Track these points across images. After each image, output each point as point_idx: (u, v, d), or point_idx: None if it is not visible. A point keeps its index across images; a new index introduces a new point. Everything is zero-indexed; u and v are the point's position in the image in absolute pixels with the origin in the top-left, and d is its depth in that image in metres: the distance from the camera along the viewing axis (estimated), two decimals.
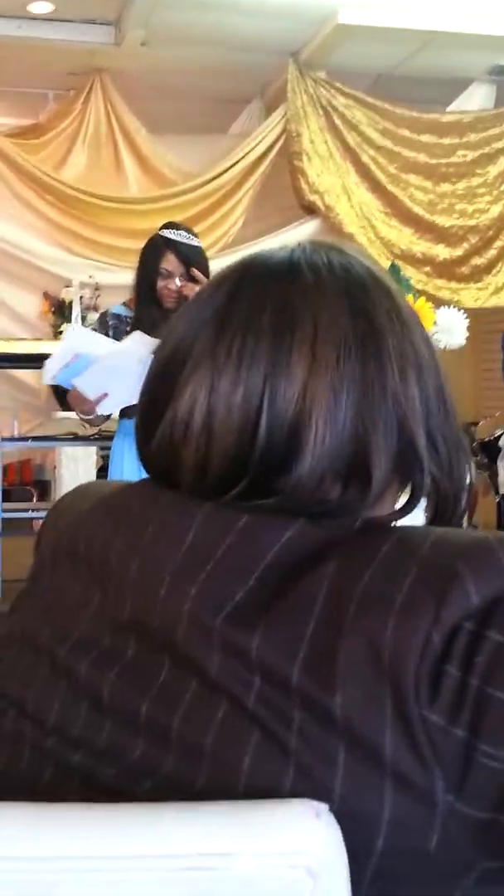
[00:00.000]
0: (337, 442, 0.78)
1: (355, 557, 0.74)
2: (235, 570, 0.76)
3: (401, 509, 0.83)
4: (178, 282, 3.50)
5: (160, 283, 3.52)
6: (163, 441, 0.83)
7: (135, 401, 0.92)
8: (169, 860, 0.67)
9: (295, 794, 0.69)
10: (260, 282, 0.83)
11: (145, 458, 0.87)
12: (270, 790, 0.70)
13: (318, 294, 0.82)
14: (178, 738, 0.74)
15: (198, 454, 0.81)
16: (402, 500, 0.85)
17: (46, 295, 6.09)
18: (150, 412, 0.85)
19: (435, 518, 0.86)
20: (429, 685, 0.68)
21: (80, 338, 3.57)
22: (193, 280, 3.47)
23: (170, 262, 3.54)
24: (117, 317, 3.77)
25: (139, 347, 3.10)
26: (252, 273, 0.85)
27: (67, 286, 6.03)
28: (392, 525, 0.80)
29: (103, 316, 3.91)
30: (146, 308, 3.54)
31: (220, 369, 0.80)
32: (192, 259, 3.58)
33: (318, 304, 0.81)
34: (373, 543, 0.75)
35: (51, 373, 3.40)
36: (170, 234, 3.65)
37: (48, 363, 3.41)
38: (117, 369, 3.25)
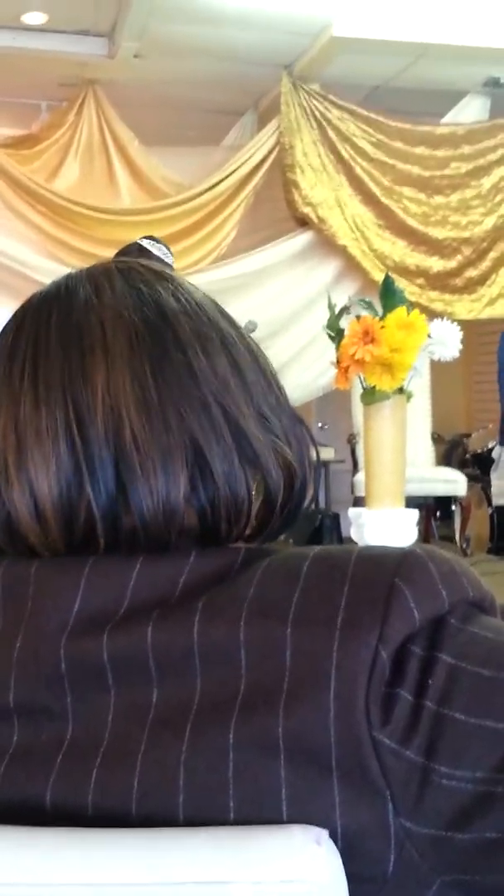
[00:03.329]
0: (160, 434, 0.74)
1: (273, 579, 0.72)
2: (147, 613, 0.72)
3: (277, 510, 0.80)
4: None
5: None
6: None
7: None
8: (163, 888, 0.65)
9: (238, 822, 0.68)
10: (40, 310, 0.81)
11: None
12: (211, 820, 0.68)
13: (100, 300, 0.80)
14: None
15: (24, 496, 0.75)
16: None
17: None
18: None
19: (284, 492, 0.81)
20: (380, 707, 0.67)
21: None
22: None
23: None
24: None
25: None
26: (32, 307, 0.83)
27: None
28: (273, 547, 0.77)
29: None
30: None
31: (18, 398, 0.77)
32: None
33: (101, 308, 0.79)
34: (289, 562, 0.73)
35: None
36: (149, 244, 3.58)
37: None
38: None
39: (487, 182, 6.50)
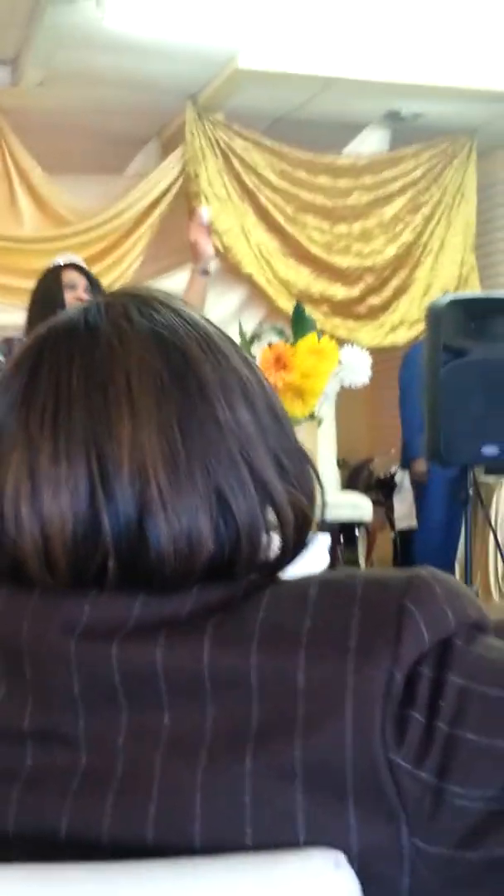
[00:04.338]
0: (188, 493, 0.74)
1: (281, 605, 0.73)
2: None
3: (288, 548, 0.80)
4: (83, 294, 3.60)
5: (69, 297, 3.59)
6: None
7: None
8: None
9: (255, 848, 0.68)
10: (60, 350, 0.79)
11: None
12: (228, 846, 0.68)
13: (123, 344, 0.78)
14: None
15: (37, 547, 0.75)
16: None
17: None
18: None
19: (293, 531, 0.81)
20: (394, 728, 0.68)
21: None
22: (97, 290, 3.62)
23: (70, 275, 3.68)
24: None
25: None
26: (50, 344, 0.80)
27: None
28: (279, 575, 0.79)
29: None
30: None
31: (36, 447, 0.75)
32: (90, 275, 3.74)
33: (125, 354, 0.77)
34: (295, 589, 0.74)
35: None
36: (63, 258, 3.77)
37: None
38: None
39: (389, 211, 6.61)
